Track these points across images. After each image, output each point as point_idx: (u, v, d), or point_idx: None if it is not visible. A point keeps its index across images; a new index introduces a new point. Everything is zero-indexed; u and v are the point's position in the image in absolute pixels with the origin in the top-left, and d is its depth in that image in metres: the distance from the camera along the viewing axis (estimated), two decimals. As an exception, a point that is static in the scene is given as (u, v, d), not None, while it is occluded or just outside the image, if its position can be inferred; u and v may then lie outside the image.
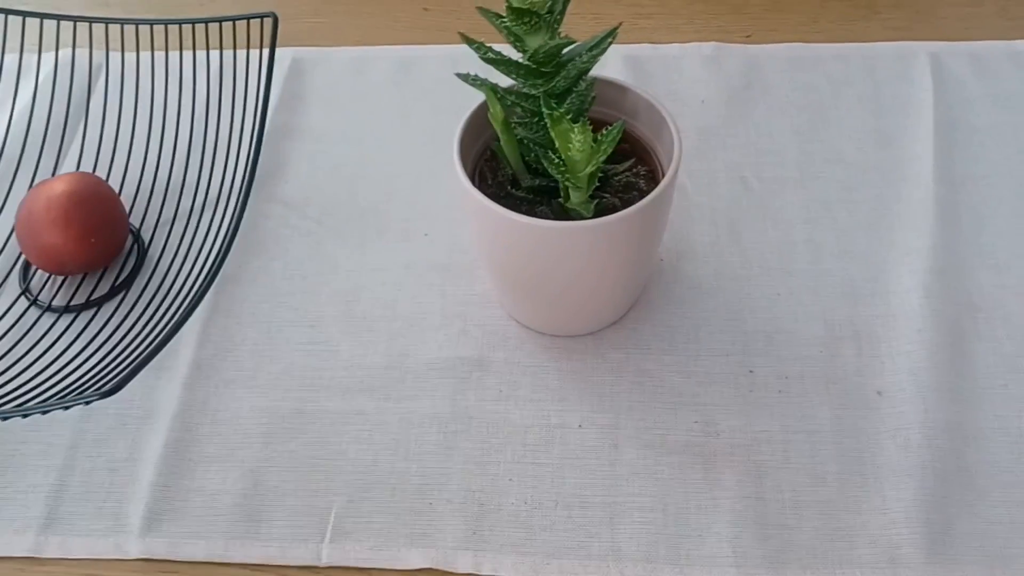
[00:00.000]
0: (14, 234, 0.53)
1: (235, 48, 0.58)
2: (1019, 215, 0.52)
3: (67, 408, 0.37)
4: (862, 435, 0.44)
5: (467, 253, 0.52)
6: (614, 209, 0.43)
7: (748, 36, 0.64)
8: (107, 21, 0.58)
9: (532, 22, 0.39)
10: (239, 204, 0.49)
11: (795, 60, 0.62)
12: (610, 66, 0.61)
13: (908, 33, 0.63)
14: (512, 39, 0.40)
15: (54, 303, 0.51)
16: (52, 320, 0.50)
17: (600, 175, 0.42)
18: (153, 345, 0.40)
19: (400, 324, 0.50)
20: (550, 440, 0.45)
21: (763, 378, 0.46)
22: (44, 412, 0.38)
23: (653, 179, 0.45)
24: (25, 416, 0.38)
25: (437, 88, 0.61)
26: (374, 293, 0.51)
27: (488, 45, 0.42)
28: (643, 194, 0.44)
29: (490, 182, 0.45)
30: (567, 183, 0.41)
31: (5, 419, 0.40)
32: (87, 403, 0.37)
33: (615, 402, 0.46)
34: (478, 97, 0.44)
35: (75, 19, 0.59)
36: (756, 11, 0.66)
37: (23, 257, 0.53)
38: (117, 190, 0.55)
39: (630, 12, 0.66)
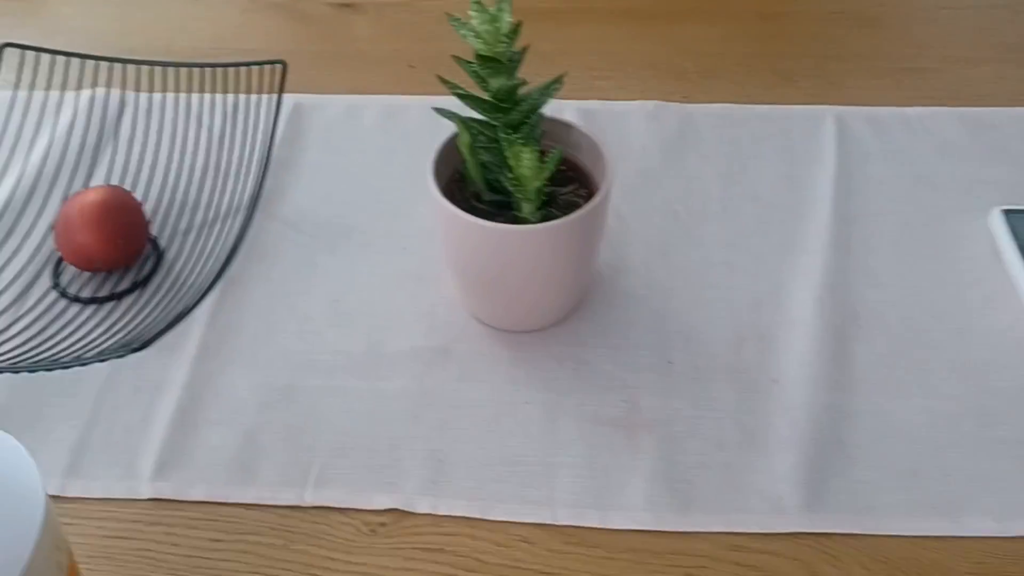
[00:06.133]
0: (49, 237, 0.62)
1: (249, 92, 0.68)
2: (899, 245, 0.62)
3: (103, 360, 0.45)
4: (758, 413, 0.53)
5: (438, 265, 0.62)
6: (558, 221, 0.53)
7: (686, 97, 0.75)
8: (137, 63, 0.68)
9: (494, 67, 0.49)
10: (245, 219, 0.59)
11: (724, 118, 0.72)
12: (567, 116, 0.71)
13: (820, 99, 0.74)
14: (478, 80, 0.51)
15: (81, 295, 0.60)
16: (79, 309, 0.59)
17: (547, 194, 0.52)
18: (174, 316, 0.49)
19: (378, 320, 0.59)
20: (500, 413, 0.53)
21: (680, 368, 0.55)
22: (84, 364, 0.46)
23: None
24: (66, 367, 0.46)
25: (418, 133, 0.71)
26: (357, 295, 0.60)
27: (460, 85, 0.53)
28: (583, 211, 0.54)
29: (458, 198, 0.55)
30: (519, 196, 0.51)
31: (50, 370, 0.48)
32: (121, 356, 0.45)
33: (557, 385, 0.55)
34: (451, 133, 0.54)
35: (110, 60, 0.69)
36: (694, 78, 0.77)
37: (55, 257, 0.62)
38: (141, 202, 0.65)
39: (589, 75, 0.77)
